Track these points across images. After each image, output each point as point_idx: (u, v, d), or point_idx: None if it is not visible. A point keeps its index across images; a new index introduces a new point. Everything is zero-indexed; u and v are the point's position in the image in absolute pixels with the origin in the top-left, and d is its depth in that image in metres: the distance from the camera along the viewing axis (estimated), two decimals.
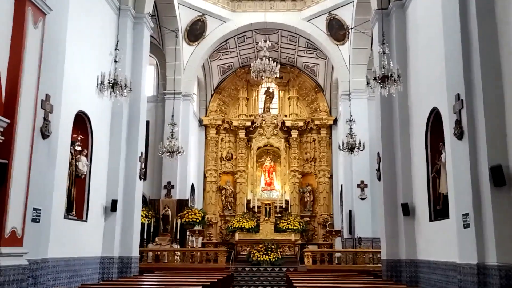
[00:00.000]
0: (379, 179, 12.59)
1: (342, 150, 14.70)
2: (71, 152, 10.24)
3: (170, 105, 19.18)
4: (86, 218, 10.90)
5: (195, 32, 20.07)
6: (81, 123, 10.81)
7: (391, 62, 8.32)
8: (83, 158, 10.62)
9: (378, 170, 12.58)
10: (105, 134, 12.07)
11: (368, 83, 8.32)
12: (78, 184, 10.58)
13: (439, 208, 10.01)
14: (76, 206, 10.45)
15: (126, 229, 12.33)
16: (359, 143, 14.58)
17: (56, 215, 9.20)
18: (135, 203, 12.60)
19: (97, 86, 8.29)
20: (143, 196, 19.20)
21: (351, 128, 14.55)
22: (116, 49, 8.52)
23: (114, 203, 11.88)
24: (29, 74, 7.36)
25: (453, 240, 8.51)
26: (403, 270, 11.44)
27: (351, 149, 14.45)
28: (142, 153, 12.93)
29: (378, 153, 12.60)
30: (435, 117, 10.20)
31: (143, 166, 13.00)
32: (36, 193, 7.81)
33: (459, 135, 7.91)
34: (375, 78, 8.02)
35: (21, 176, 7.20)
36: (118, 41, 8.56)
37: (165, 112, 19.51)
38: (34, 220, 7.79)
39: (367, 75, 8.80)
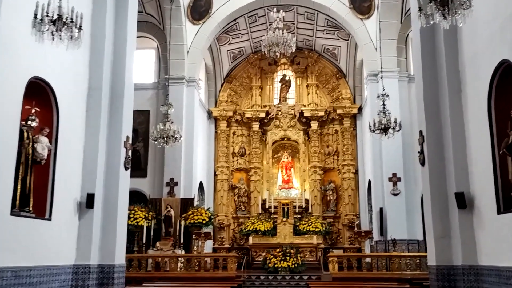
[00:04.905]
0: (422, 164, 10.00)
1: (373, 131, 12.04)
2: (25, 130, 7.93)
3: (173, 92, 17.04)
4: (50, 215, 8.53)
5: (200, 9, 17.74)
6: (42, 94, 8.51)
7: None
8: (43, 139, 8.27)
9: (421, 152, 9.97)
10: (80, 111, 9.72)
11: (420, 9, 5.82)
12: (37, 172, 8.22)
13: None
14: (34, 200, 8.08)
15: (107, 230, 9.89)
16: (395, 122, 11.90)
17: None
18: (119, 198, 10.17)
19: (33, 25, 5.94)
20: (143, 195, 17.07)
21: (384, 105, 11.87)
22: None
23: (90, 197, 9.51)
24: None
25: None
26: (459, 279, 8.83)
27: (384, 129, 11.78)
28: (128, 137, 10.57)
29: (421, 132, 10.01)
30: (503, 74, 7.63)
31: (129, 154, 10.64)
32: None
33: None
34: (431, 0, 5.51)
35: None
36: None
37: (167, 100, 17.20)
38: None
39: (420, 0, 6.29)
